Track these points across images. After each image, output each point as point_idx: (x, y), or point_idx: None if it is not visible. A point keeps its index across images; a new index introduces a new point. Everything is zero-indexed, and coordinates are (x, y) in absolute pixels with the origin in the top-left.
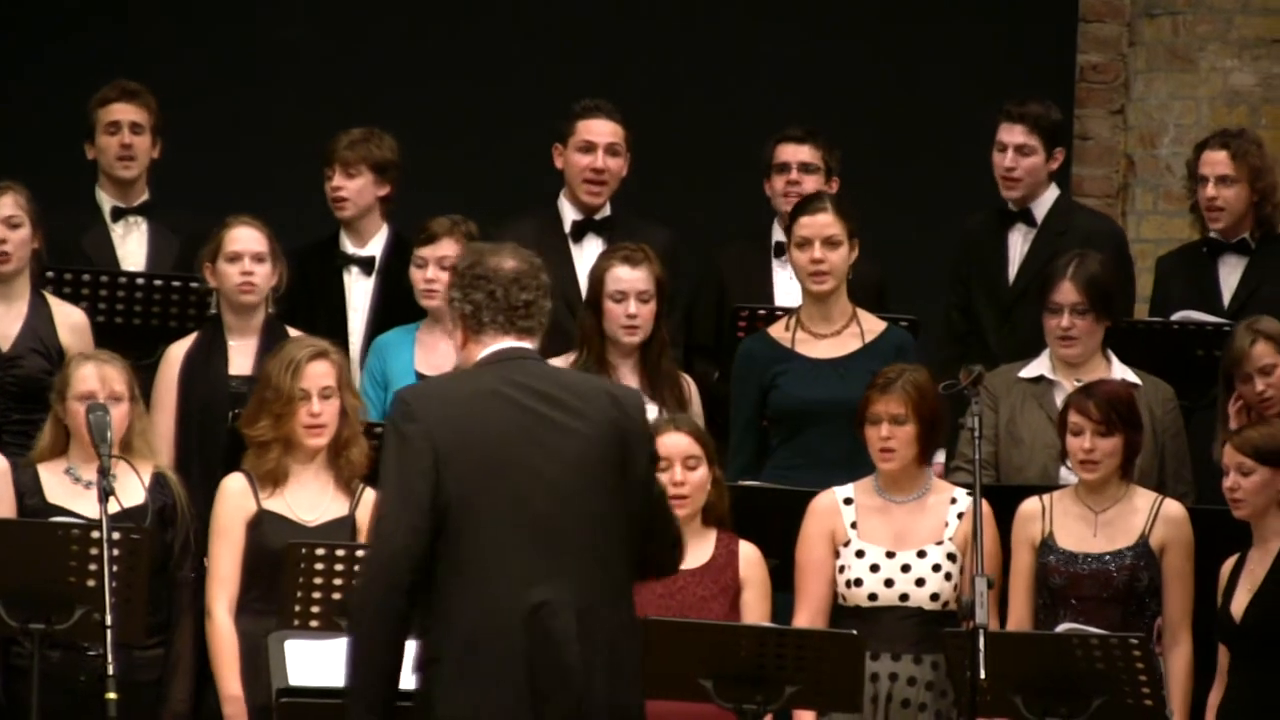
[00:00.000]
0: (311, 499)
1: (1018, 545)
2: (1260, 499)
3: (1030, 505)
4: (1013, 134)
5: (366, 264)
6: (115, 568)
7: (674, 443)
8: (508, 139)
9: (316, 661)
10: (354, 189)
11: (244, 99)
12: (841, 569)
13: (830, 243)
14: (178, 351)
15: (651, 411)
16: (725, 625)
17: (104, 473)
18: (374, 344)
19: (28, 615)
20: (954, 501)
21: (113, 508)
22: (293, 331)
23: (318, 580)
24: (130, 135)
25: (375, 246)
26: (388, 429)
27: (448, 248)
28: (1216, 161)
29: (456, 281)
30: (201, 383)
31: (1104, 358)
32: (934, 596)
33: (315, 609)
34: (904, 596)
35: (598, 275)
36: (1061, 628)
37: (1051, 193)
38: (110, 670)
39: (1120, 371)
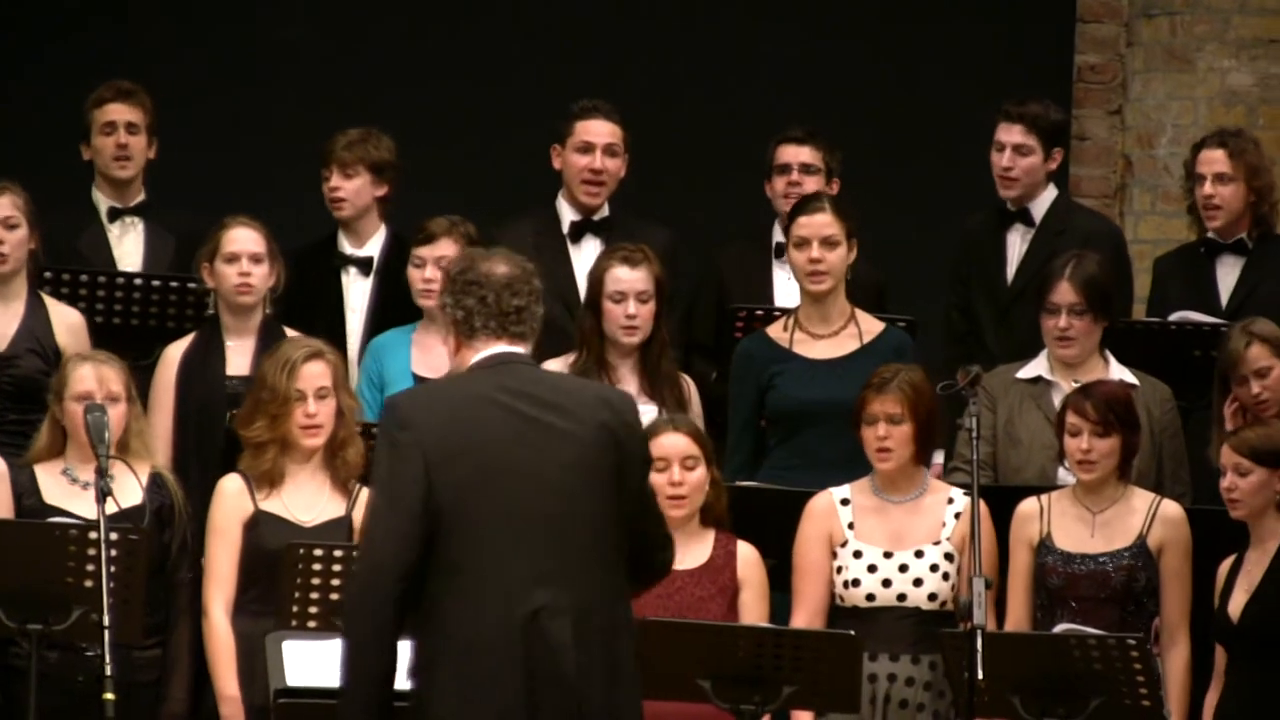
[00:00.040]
0: (308, 499)
1: (1016, 546)
2: (1257, 499)
3: (1028, 506)
4: (1011, 133)
5: (364, 264)
6: (113, 568)
7: (672, 443)
8: (507, 139)
9: (314, 662)
10: (351, 189)
11: (244, 99)
12: (839, 569)
13: (828, 243)
14: (175, 352)
15: (651, 412)
16: (723, 626)
17: (102, 473)
18: (370, 345)
19: (25, 616)
20: (951, 501)
21: (110, 508)
22: (290, 332)
23: (316, 581)
24: (126, 135)
25: (373, 247)
26: (379, 436)
27: (446, 247)
28: (1214, 160)
29: (449, 287)
30: (199, 383)
31: (1102, 358)
32: (932, 596)
33: (313, 609)
34: (902, 596)
35: (597, 276)
36: (1059, 628)
37: (1050, 193)
38: (108, 671)
39: (1118, 372)
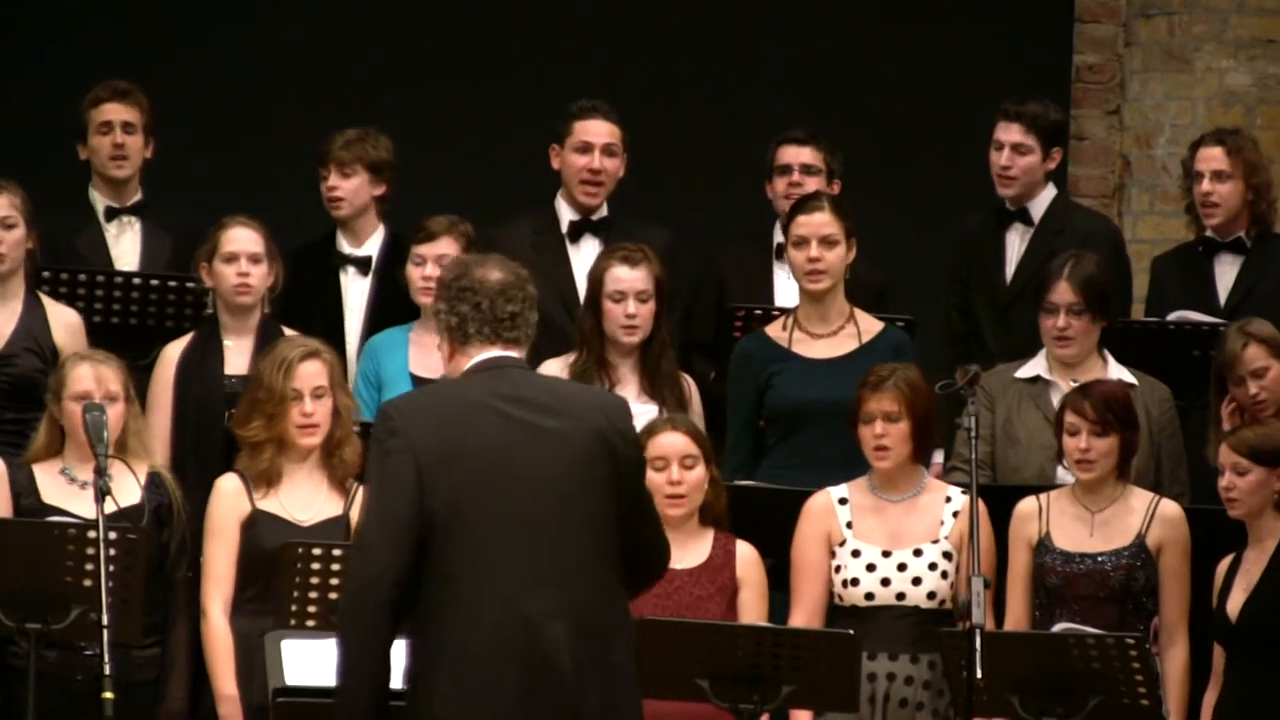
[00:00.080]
0: (305, 499)
1: (1015, 545)
2: (1256, 499)
3: (1027, 505)
4: (1009, 132)
5: (363, 264)
6: (112, 567)
7: (671, 442)
8: (507, 139)
9: (313, 661)
10: (349, 189)
11: (244, 99)
12: (837, 569)
13: (827, 242)
14: (173, 351)
15: (651, 411)
16: (722, 625)
17: (100, 472)
18: (367, 345)
19: (24, 615)
20: (949, 500)
21: (109, 507)
22: (288, 331)
23: (314, 580)
24: (122, 135)
25: (371, 246)
26: (372, 443)
27: (446, 246)
28: (1212, 157)
29: (442, 294)
30: (197, 383)
31: (1100, 358)
32: (931, 595)
33: (312, 609)
34: (900, 595)
35: (597, 275)
36: (1058, 627)
37: (1049, 192)
38: (107, 670)
39: (1116, 372)
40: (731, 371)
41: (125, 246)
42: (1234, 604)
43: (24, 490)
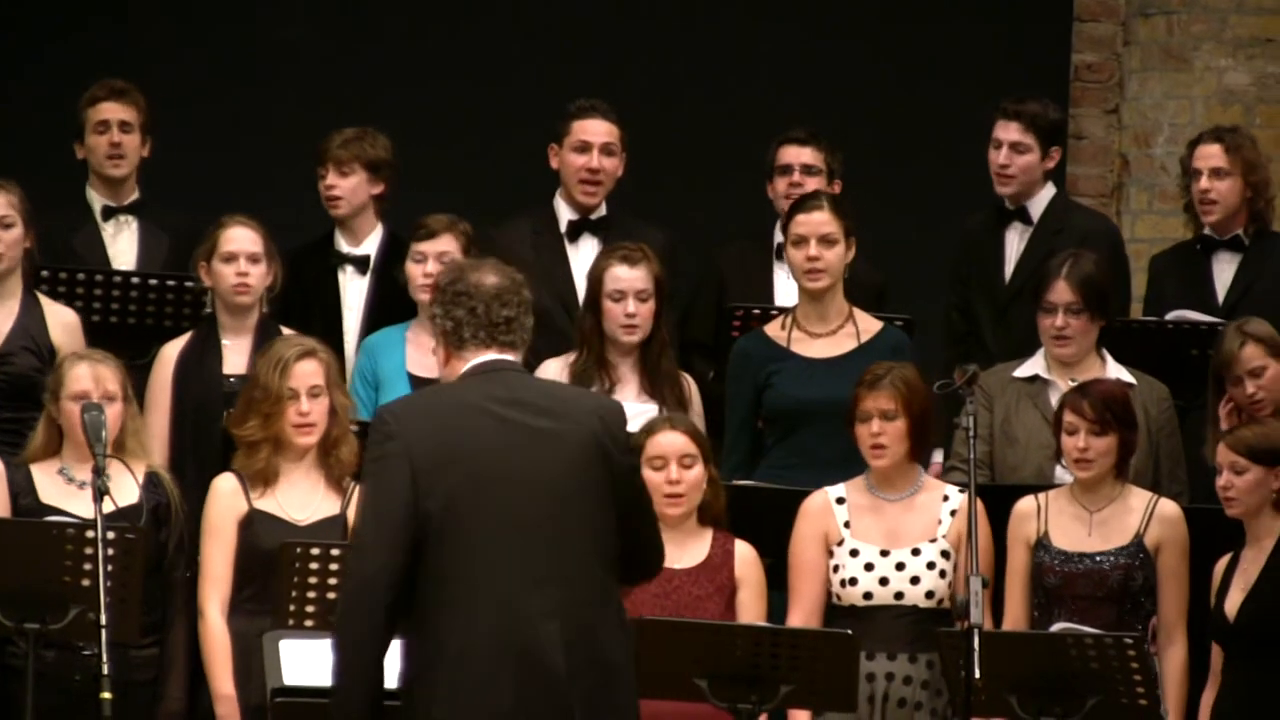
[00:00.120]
0: (302, 498)
1: (1013, 544)
2: (1253, 498)
3: (1025, 504)
4: (1008, 131)
5: (361, 263)
6: (110, 567)
7: (669, 441)
8: (507, 139)
9: (311, 661)
10: (347, 188)
11: (243, 99)
12: (836, 568)
13: (826, 241)
14: (172, 351)
15: (651, 411)
16: (720, 625)
17: (99, 472)
18: (364, 344)
19: (22, 615)
20: (946, 499)
21: (107, 507)
22: (286, 331)
23: (312, 580)
24: (119, 134)
25: (370, 246)
26: (367, 447)
27: (448, 243)
28: (1210, 155)
29: (438, 298)
30: (196, 382)
31: (1099, 357)
32: (929, 594)
33: (310, 608)
34: (899, 595)
35: (596, 275)
36: (1056, 627)
37: (1048, 191)
38: (105, 670)
39: (1115, 371)
40: (730, 371)
41: (122, 246)
42: (1232, 603)
43: (22, 490)
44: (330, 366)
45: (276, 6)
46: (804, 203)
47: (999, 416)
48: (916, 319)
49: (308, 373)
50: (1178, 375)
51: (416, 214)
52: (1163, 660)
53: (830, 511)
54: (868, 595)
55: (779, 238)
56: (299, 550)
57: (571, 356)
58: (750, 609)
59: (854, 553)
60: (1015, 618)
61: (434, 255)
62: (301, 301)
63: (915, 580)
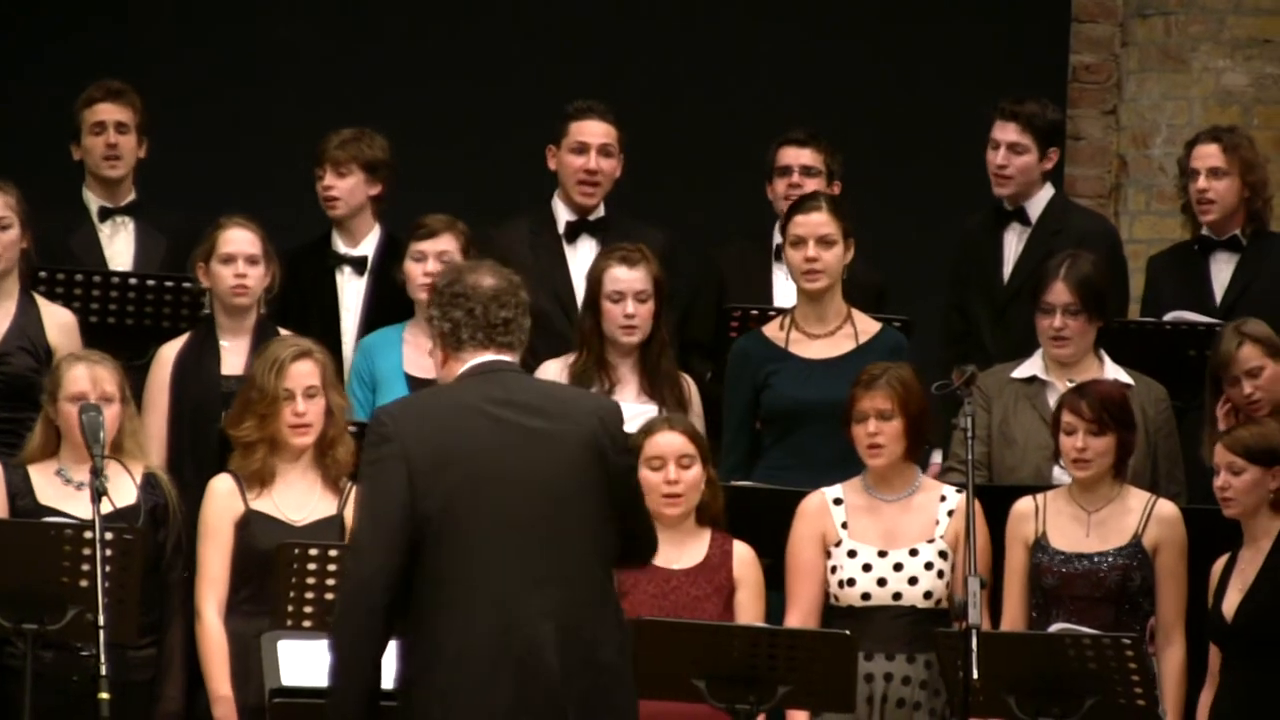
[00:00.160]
0: (299, 498)
1: (1011, 545)
2: (1251, 498)
3: (1024, 505)
4: (1006, 132)
5: (359, 264)
6: (108, 568)
7: (668, 441)
8: (506, 139)
9: (309, 661)
10: (345, 188)
11: (243, 99)
12: (833, 569)
13: (824, 241)
14: (169, 352)
15: (651, 411)
16: (718, 625)
17: (97, 473)
18: (361, 344)
19: (20, 615)
20: (944, 499)
21: (105, 508)
22: (284, 332)
23: (310, 580)
24: (116, 135)
25: (367, 246)
26: (364, 449)
27: (447, 242)
28: (1208, 155)
29: (436, 300)
30: (194, 383)
31: (1096, 358)
32: (927, 594)
33: (308, 609)
34: (897, 595)
35: (595, 276)
36: (1054, 628)
37: (1046, 192)
38: (103, 670)
39: (1113, 372)
40: (728, 371)
41: (119, 247)
42: (1229, 604)
43: (19, 491)
44: (326, 367)
45: (276, 6)
46: (802, 204)
47: (997, 417)
48: (915, 319)
49: (303, 373)
50: (1175, 376)
51: (415, 214)
52: (1161, 661)
53: (828, 512)
54: (865, 596)
55: (778, 238)
56: (297, 551)
57: (571, 357)
58: (748, 609)
59: (852, 553)
60: (1013, 618)
61: (434, 254)
62: (299, 302)
63: (913, 581)
